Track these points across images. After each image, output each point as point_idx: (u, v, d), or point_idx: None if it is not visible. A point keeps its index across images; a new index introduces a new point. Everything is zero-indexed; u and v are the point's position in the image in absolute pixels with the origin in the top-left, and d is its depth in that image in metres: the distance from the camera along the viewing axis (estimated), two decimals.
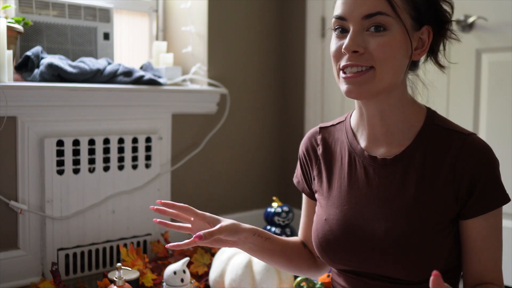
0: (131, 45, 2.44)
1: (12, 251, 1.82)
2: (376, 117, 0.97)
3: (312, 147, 1.09)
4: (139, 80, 2.04)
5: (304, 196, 1.14)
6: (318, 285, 1.61)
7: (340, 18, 0.91)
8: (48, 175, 1.83)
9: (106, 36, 2.14)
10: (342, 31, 0.92)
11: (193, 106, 2.28)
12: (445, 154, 0.92)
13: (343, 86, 0.92)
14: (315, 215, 1.06)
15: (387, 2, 0.88)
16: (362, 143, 1.00)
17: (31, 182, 1.84)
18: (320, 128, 1.09)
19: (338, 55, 0.92)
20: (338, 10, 0.92)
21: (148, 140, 2.09)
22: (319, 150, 1.07)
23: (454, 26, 2.05)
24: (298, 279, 1.63)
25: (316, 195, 1.08)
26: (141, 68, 2.17)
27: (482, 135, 1.94)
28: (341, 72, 0.92)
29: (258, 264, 1.64)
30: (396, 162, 0.95)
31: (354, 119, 1.03)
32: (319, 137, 1.08)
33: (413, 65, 1.00)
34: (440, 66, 1.02)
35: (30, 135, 1.83)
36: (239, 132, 2.50)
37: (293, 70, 2.62)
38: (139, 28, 2.46)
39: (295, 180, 1.15)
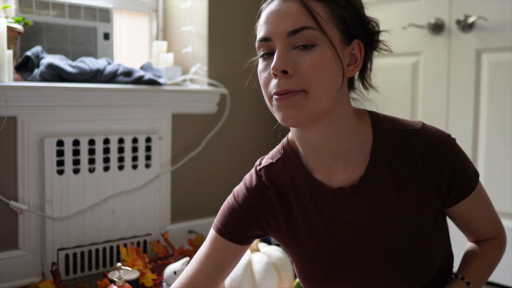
0: (131, 45, 2.44)
1: (12, 251, 1.82)
2: (323, 142, 0.88)
3: (259, 190, 0.97)
4: (139, 80, 2.04)
5: (219, 240, 0.99)
6: None
7: (264, 39, 0.84)
8: (48, 175, 1.83)
9: (106, 36, 2.14)
10: (269, 54, 0.84)
11: (193, 106, 2.28)
12: (410, 158, 0.88)
13: (279, 114, 0.83)
14: (298, 267, 0.98)
15: (310, 15, 0.81)
16: (318, 175, 0.92)
17: (31, 182, 1.84)
18: (260, 169, 0.98)
19: (268, 81, 0.84)
20: (261, 32, 0.85)
21: (148, 140, 2.09)
22: (269, 192, 0.96)
23: (454, 26, 2.06)
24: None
25: (281, 243, 0.99)
26: (141, 68, 2.17)
27: (482, 135, 1.94)
28: (273, 99, 0.83)
29: (258, 264, 1.64)
30: (365, 184, 0.89)
31: (300, 152, 0.94)
32: (264, 179, 0.97)
33: (350, 84, 0.92)
34: (370, 86, 0.94)
35: (30, 135, 1.83)
36: (239, 132, 2.50)
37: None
38: (139, 28, 2.46)
39: (223, 232, 0.99)
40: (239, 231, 0.98)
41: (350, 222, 0.91)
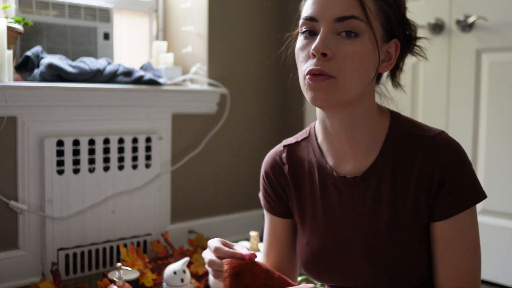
0: (131, 45, 2.44)
1: (12, 251, 1.82)
2: (341, 130, 0.92)
3: (278, 166, 1.03)
4: (139, 80, 2.04)
5: (271, 217, 1.06)
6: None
7: (310, 19, 0.86)
8: (48, 175, 1.83)
9: (106, 36, 2.14)
10: (311, 34, 0.87)
11: (193, 106, 2.28)
12: (413, 161, 0.89)
13: (309, 94, 0.86)
14: (298, 238, 1.03)
15: (361, 6, 0.83)
16: (330, 160, 0.96)
17: (31, 182, 1.84)
18: (284, 146, 1.04)
19: (306, 59, 0.88)
20: (308, 10, 0.87)
21: (148, 140, 2.09)
22: (286, 169, 1.01)
23: (454, 26, 2.06)
24: (299, 279, 1.63)
25: (295, 218, 1.04)
26: (141, 68, 2.17)
27: (482, 135, 1.94)
28: (306, 78, 0.87)
29: None
30: (367, 178, 0.92)
31: (319, 135, 0.99)
32: (284, 156, 1.02)
33: (377, 78, 0.96)
34: (398, 85, 0.98)
35: (30, 135, 1.83)
36: (239, 132, 2.50)
37: (293, 70, 2.62)
38: (139, 28, 2.46)
39: (267, 208, 1.07)
40: (275, 206, 1.05)
41: (347, 213, 0.94)
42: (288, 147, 1.03)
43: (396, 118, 0.94)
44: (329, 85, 0.84)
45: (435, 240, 0.89)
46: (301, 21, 0.89)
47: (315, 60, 0.84)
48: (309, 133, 1.02)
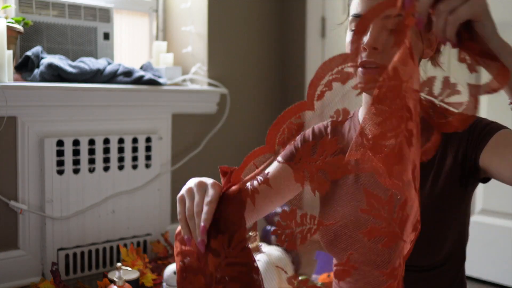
0: (131, 45, 2.44)
1: (12, 251, 1.82)
2: None
3: (320, 133, 1.13)
4: (139, 80, 2.04)
5: (283, 166, 1.09)
6: (318, 284, 1.61)
7: (359, 16, 0.95)
8: (48, 175, 1.83)
9: (106, 36, 2.14)
10: None
11: (193, 106, 2.28)
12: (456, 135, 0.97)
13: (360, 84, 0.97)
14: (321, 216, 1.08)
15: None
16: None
17: (31, 182, 1.84)
18: (330, 121, 1.13)
19: (356, 52, 0.96)
20: (356, 8, 0.95)
21: (148, 140, 2.09)
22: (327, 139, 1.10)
23: None
24: (299, 278, 1.63)
25: None
26: (141, 68, 2.17)
27: None
28: (359, 68, 0.96)
29: (258, 264, 1.64)
30: None
31: (361, 114, 1.09)
32: (329, 128, 1.13)
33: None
34: (438, 64, 1.07)
35: (30, 135, 1.83)
36: (239, 132, 2.50)
37: (293, 70, 2.62)
38: (139, 28, 2.46)
39: (287, 154, 1.10)
40: (293, 156, 1.11)
41: None
42: (333, 122, 1.12)
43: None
44: (378, 75, 0.93)
45: (486, 162, 0.93)
46: (350, 18, 0.97)
47: (366, 53, 0.94)
48: (353, 114, 1.12)
